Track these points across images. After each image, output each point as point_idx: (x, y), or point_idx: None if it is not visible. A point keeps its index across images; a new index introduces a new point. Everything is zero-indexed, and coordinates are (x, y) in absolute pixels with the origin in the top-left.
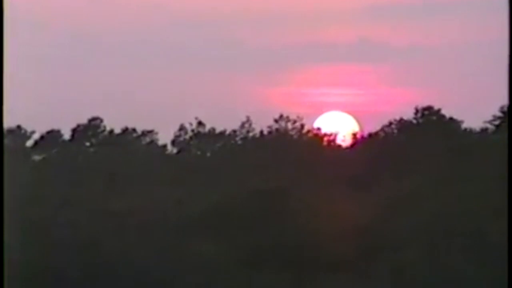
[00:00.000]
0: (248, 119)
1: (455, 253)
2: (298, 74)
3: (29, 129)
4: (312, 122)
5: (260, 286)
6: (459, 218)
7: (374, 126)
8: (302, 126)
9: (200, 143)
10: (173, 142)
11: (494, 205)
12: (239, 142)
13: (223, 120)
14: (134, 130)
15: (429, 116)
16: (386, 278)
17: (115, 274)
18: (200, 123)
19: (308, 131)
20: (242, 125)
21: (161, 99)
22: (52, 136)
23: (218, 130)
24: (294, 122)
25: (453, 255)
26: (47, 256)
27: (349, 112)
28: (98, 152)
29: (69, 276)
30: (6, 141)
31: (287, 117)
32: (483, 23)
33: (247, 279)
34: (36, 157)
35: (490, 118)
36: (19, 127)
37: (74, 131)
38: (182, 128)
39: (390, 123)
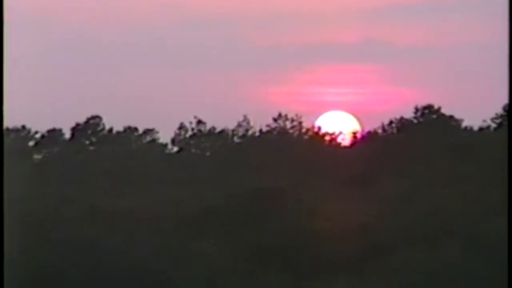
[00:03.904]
0: (245, 118)
1: (455, 252)
2: (299, 74)
3: (33, 129)
4: (313, 122)
5: (260, 286)
6: (459, 217)
7: (374, 125)
8: (300, 124)
9: (200, 142)
10: (173, 141)
11: (495, 204)
12: (239, 141)
13: (223, 119)
14: (135, 129)
15: (429, 115)
16: (386, 277)
17: (115, 273)
18: (200, 122)
19: (308, 130)
20: (239, 125)
21: (162, 98)
22: (53, 135)
23: (218, 129)
24: (292, 121)
25: (453, 254)
26: (47, 255)
27: (350, 112)
28: (98, 150)
29: (69, 275)
30: (9, 141)
31: (286, 115)
32: (483, 23)
33: (247, 278)
34: (38, 156)
35: (491, 116)
36: (23, 126)
37: (73, 129)
38: (182, 127)
39: (391, 122)
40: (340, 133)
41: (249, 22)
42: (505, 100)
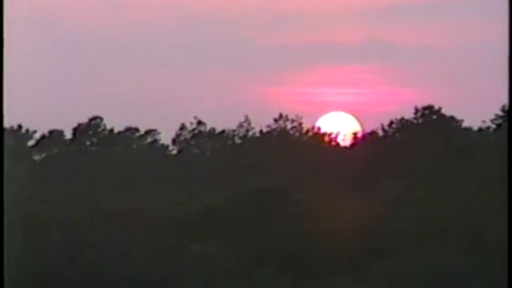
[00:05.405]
0: (246, 119)
1: (455, 252)
2: (300, 74)
3: (30, 129)
4: (314, 122)
5: (260, 286)
6: (459, 218)
7: (374, 126)
8: (301, 124)
9: (200, 142)
10: (174, 142)
11: (494, 204)
12: (239, 141)
13: (223, 120)
14: (136, 129)
15: (429, 116)
16: (385, 278)
17: (115, 274)
18: (200, 123)
19: (308, 131)
20: (241, 125)
21: (162, 98)
22: (53, 135)
23: (218, 130)
24: (293, 121)
25: (453, 254)
26: (47, 255)
27: (350, 112)
28: (99, 151)
29: (68, 275)
30: (7, 140)
31: (286, 116)
32: (483, 23)
33: (246, 279)
34: (37, 157)
35: (491, 117)
36: (20, 126)
37: (75, 130)
38: (182, 127)
39: (391, 123)
40: (341, 133)
41: (249, 22)
42: (504, 101)
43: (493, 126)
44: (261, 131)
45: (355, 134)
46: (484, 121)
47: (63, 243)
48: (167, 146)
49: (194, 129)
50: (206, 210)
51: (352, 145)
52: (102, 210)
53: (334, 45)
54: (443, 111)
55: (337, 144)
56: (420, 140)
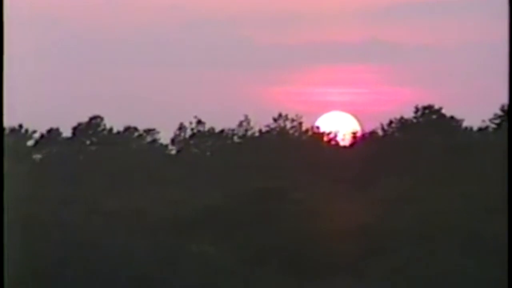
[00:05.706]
0: (246, 118)
1: (455, 252)
2: (299, 74)
3: (30, 128)
4: (313, 122)
5: (260, 286)
6: (459, 217)
7: (374, 126)
8: (300, 124)
9: (199, 142)
10: (173, 141)
11: (494, 204)
12: (239, 141)
13: (223, 119)
14: (136, 129)
15: (429, 115)
16: (385, 277)
17: (115, 274)
18: (199, 122)
19: (308, 130)
20: (240, 124)
21: (162, 98)
22: (52, 135)
23: (217, 129)
24: (292, 121)
25: (453, 253)
26: (47, 255)
27: (350, 112)
28: (98, 150)
29: (67, 275)
30: (7, 140)
31: (286, 115)
32: (483, 23)
33: (246, 279)
34: (37, 156)
35: (491, 117)
36: (20, 126)
37: (74, 129)
38: (181, 127)
39: (391, 122)
40: (340, 133)
41: (249, 22)
42: (504, 101)
43: (493, 126)
44: (260, 131)
45: (354, 133)
46: (484, 121)
47: (63, 243)
48: (166, 146)
49: (193, 129)
50: (206, 210)
51: (352, 145)
52: (102, 210)
53: (334, 45)
54: (443, 110)
55: (337, 143)
56: (420, 139)
